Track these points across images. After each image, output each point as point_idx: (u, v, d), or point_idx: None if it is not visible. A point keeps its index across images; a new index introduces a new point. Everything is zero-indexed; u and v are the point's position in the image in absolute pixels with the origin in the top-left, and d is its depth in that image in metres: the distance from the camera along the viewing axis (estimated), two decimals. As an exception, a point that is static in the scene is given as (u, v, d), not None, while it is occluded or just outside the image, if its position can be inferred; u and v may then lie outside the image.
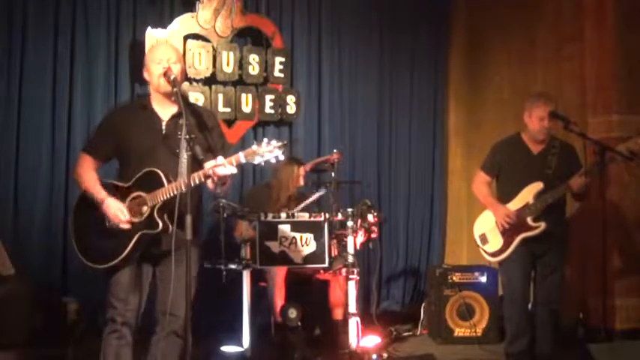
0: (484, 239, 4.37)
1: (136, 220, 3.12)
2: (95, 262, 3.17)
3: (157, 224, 3.11)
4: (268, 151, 2.97)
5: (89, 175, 3.23)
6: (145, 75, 3.27)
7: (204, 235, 5.35)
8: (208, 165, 3.02)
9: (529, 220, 4.16)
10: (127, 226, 3.11)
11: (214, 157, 3.06)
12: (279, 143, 2.98)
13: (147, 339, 3.27)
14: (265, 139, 3.01)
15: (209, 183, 3.09)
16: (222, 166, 2.98)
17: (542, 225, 4.13)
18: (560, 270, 4.31)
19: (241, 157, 3.00)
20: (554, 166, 4.19)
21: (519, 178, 4.24)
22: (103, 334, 3.22)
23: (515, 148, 4.32)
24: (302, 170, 5.10)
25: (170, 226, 3.06)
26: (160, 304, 3.22)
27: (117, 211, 3.11)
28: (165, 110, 3.24)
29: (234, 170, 3.01)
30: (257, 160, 2.98)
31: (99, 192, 3.16)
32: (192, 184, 3.00)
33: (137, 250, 3.14)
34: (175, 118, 3.20)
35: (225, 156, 3.05)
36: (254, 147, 2.99)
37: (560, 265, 4.31)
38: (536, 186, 4.16)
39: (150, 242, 3.16)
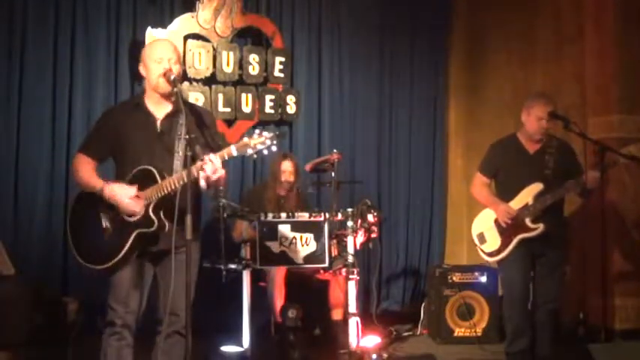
0: (482, 238, 4.37)
1: (131, 219, 3.09)
2: (93, 263, 3.14)
3: (153, 222, 3.08)
4: (260, 142, 2.93)
5: (85, 169, 3.20)
6: (142, 70, 3.24)
7: (205, 235, 5.36)
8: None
9: (528, 221, 4.15)
10: (140, 207, 3.05)
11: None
12: (271, 134, 2.95)
13: (149, 338, 3.24)
14: (257, 130, 3.02)
15: (202, 183, 3.00)
16: (210, 162, 2.92)
17: (541, 227, 4.12)
18: (560, 270, 4.30)
19: (233, 150, 2.97)
20: (553, 165, 4.17)
21: (517, 178, 4.23)
22: (102, 336, 3.20)
23: (511, 148, 4.31)
24: (291, 165, 5.09)
25: (166, 224, 3.06)
26: (162, 304, 3.18)
27: (124, 193, 3.05)
28: (159, 108, 3.22)
29: (219, 164, 2.94)
30: (249, 152, 2.95)
31: (96, 181, 3.14)
32: (186, 180, 2.93)
33: (134, 250, 3.11)
34: (170, 117, 3.19)
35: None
36: (245, 139, 2.98)
37: (560, 265, 4.30)
38: (536, 187, 4.15)
39: (148, 241, 3.14)
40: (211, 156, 2.94)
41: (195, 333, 2.86)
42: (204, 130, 3.19)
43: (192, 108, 3.27)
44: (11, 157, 5.03)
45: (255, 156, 3.00)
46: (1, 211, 4.98)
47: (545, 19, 5.85)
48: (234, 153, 2.96)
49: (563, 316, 4.69)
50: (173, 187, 2.99)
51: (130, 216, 3.09)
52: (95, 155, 3.26)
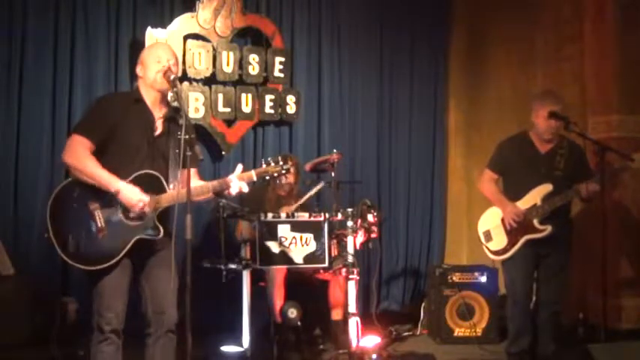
0: (488, 236, 4.36)
1: (132, 223, 3.09)
2: (81, 263, 3.04)
3: (159, 230, 3.11)
4: (277, 171, 3.31)
5: (93, 162, 3.05)
6: (139, 70, 3.24)
7: (205, 235, 5.37)
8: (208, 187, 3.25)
9: (535, 222, 4.14)
10: (149, 209, 3.04)
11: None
12: (287, 166, 3.32)
13: (132, 340, 3.22)
14: (270, 159, 3.33)
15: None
16: (238, 187, 3.25)
17: (549, 228, 4.11)
18: (565, 271, 4.30)
19: (253, 175, 3.30)
20: (563, 167, 4.16)
21: (527, 177, 4.22)
22: (91, 343, 3.13)
23: (522, 146, 4.30)
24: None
25: (166, 230, 3.10)
26: (150, 305, 3.17)
27: (138, 197, 3.02)
28: (156, 110, 3.22)
29: (246, 188, 3.28)
30: (267, 178, 3.36)
31: (112, 180, 3.01)
32: (197, 195, 3.11)
33: (129, 254, 3.09)
34: (167, 121, 3.21)
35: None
36: (264, 165, 3.33)
37: (565, 266, 4.30)
38: (546, 188, 4.14)
39: (145, 246, 3.13)
40: (238, 182, 3.24)
41: (195, 333, 2.86)
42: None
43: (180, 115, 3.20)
44: (11, 157, 5.02)
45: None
46: (1, 211, 4.97)
47: (545, 19, 5.85)
48: (254, 178, 3.31)
49: (563, 317, 4.68)
50: (185, 199, 2.97)
51: (133, 220, 3.07)
52: (96, 140, 3.10)
